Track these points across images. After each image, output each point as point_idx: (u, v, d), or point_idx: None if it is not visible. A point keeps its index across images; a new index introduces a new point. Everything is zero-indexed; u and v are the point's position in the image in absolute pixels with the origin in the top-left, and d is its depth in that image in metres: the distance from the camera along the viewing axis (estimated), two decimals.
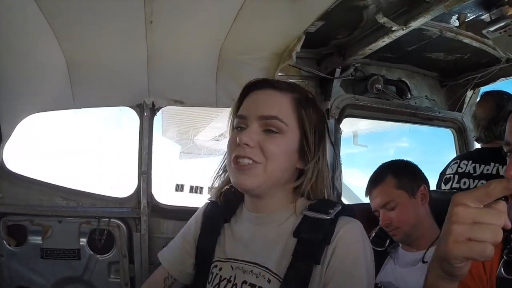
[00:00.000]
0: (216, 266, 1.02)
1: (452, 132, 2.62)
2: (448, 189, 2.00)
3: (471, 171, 1.92)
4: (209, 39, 1.82)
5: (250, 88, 1.03)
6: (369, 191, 1.60)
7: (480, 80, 2.35)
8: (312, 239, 0.89)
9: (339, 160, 2.13)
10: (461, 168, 1.98)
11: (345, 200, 2.50)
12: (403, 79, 2.38)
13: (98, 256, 2.04)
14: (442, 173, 2.13)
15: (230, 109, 1.08)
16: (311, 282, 0.88)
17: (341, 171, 2.12)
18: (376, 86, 2.20)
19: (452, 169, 2.03)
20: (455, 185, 1.97)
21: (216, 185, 1.10)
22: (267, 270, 0.94)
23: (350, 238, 0.89)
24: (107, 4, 1.48)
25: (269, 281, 0.92)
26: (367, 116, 2.38)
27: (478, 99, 2.31)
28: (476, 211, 0.57)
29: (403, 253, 1.55)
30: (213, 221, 1.08)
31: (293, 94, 0.99)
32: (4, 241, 1.95)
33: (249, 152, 0.92)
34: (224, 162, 1.06)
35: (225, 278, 0.98)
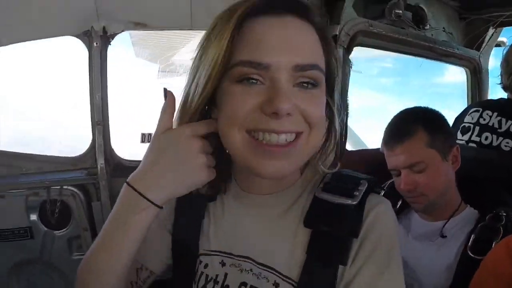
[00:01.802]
0: (200, 262, 0.78)
1: (466, 72, 2.38)
2: (466, 140, 1.76)
3: (496, 125, 1.68)
4: None
5: (253, 10, 0.61)
6: (390, 145, 1.29)
7: (506, 19, 2.10)
8: (332, 232, 0.67)
9: (346, 99, 1.77)
10: (484, 119, 1.73)
11: (348, 146, 2.24)
12: (421, 5, 1.98)
13: (54, 232, 1.76)
14: (458, 120, 1.88)
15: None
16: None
17: (347, 113, 1.76)
18: (396, 11, 1.77)
19: (472, 118, 1.77)
20: (474, 138, 1.73)
21: None
22: (272, 271, 0.71)
23: (382, 225, 0.68)
24: None
25: (276, 285, 0.70)
26: (381, 46, 1.98)
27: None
28: None
29: (418, 222, 1.34)
30: (191, 201, 0.79)
31: (315, 20, 0.66)
32: None
33: (289, 124, 0.61)
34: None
35: (211, 278, 0.76)
